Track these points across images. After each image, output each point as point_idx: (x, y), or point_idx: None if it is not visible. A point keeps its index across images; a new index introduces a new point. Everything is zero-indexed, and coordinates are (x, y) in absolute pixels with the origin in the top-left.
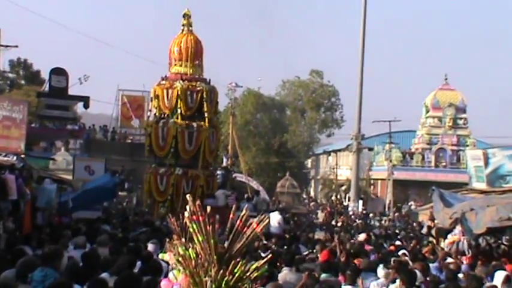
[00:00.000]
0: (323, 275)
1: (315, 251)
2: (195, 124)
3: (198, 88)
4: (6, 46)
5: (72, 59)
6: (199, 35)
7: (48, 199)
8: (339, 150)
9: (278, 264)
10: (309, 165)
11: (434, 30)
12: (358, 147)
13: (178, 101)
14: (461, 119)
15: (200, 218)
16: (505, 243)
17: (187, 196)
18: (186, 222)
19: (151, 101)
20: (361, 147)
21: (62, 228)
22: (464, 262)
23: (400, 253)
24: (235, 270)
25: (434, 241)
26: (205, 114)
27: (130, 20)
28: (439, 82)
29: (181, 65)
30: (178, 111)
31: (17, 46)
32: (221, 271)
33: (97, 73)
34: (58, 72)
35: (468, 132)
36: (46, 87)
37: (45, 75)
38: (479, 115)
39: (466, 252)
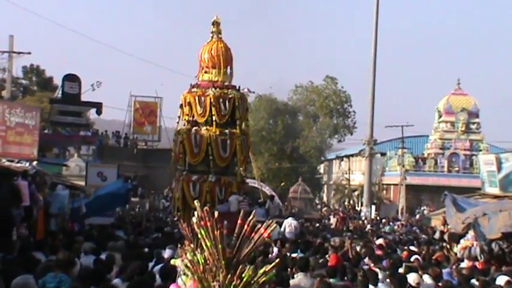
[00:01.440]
0: (331, 280)
1: (327, 257)
2: (227, 131)
3: (230, 95)
4: (19, 53)
5: (85, 66)
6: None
7: (61, 205)
8: (352, 155)
9: (293, 269)
10: (322, 170)
11: (446, 35)
12: (370, 153)
13: (212, 108)
14: (474, 123)
15: (208, 224)
16: None
17: (195, 202)
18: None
19: (180, 108)
20: (373, 152)
21: (75, 235)
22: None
23: (412, 259)
24: (243, 275)
25: (448, 246)
26: (237, 122)
27: (143, 27)
28: (451, 87)
29: (212, 72)
30: (212, 118)
31: (29, 53)
32: (229, 276)
33: (110, 79)
34: (71, 78)
35: (481, 137)
36: (59, 94)
37: (58, 81)
38: (492, 120)
39: (479, 257)
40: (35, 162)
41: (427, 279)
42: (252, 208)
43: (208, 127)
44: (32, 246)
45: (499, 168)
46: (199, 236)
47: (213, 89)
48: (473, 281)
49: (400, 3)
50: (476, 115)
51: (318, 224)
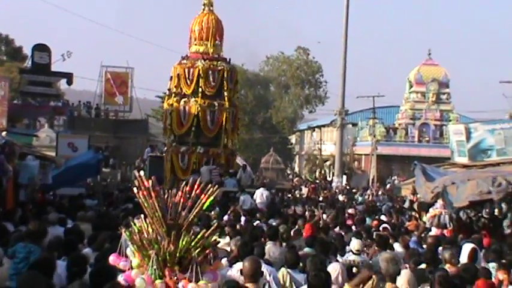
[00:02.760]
0: (306, 249)
1: (297, 226)
2: (216, 103)
3: (219, 67)
4: None
5: (55, 36)
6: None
7: (31, 175)
8: (323, 125)
9: (263, 239)
10: (293, 141)
11: (418, 6)
12: (342, 123)
13: (200, 80)
14: (444, 94)
15: (145, 193)
16: (485, 216)
17: (135, 172)
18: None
19: (170, 80)
20: (345, 122)
21: (45, 205)
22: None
23: (381, 228)
24: (180, 241)
25: (417, 215)
26: (226, 94)
27: None
28: (422, 57)
29: (202, 44)
30: (200, 90)
31: None
32: (166, 243)
33: (80, 49)
34: (41, 48)
35: (451, 107)
36: (28, 64)
37: (27, 51)
38: (462, 90)
39: (447, 226)
40: (4, 133)
41: (397, 247)
42: (223, 178)
43: (196, 99)
44: (1, 216)
45: (468, 138)
46: (143, 205)
47: (202, 61)
48: (441, 248)
49: None
50: (447, 85)
51: (289, 194)
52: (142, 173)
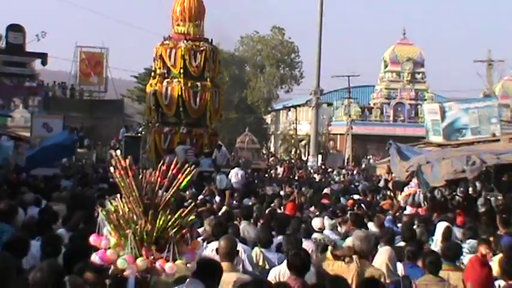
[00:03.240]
0: None
1: (272, 205)
2: (199, 83)
3: (202, 48)
4: None
5: (29, 15)
6: None
7: (5, 156)
8: (299, 105)
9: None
10: (269, 120)
11: None
12: (317, 103)
13: (182, 60)
14: (419, 73)
15: (122, 172)
16: (460, 194)
17: (112, 152)
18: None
19: (154, 60)
20: (320, 102)
21: (20, 185)
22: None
23: (356, 207)
24: (158, 221)
25: (392, 194)
26: (209, 74)
27: None
28: (397, 37)
29: (184, 25)
30: (183, 70)
31: None
32: (143, 222)
33: (55, 30)
34: (15, 28)
35: (426, 86)
36: (2, 44)
37: (1, 31)
38: (437, 69)
39: (422, 204)
40: None
41: (371, 226)
42: (198, 158)
43: (179, 79)
44: None
45: (443, 117)
46: (119, 184)
47: (185, 42)
48: (415, 227)
49: None
50: (422, 65)
51: (265, 174)
52: (118, 152)
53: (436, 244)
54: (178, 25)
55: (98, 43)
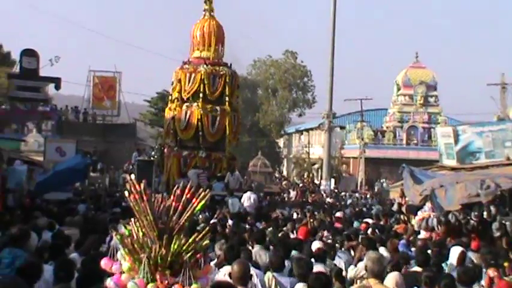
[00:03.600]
0: (293, 252)
1: (285, 229)
2: (218, 108)
3: (221, 72)
4: None
5: (43, 40)
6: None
7: (19, 180)
8: (311, 129)
9: (250, 242)
10: (281, 144)
11: (405, 9)
12: (329, 126)
13: (202, 85)
14: (432, 96)
15: (136, 196)
16: (474, 219)
17: (127, 176)
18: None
19: (172, 84)
20: (332, 125)
21: (33, 210)
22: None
23: (369, 231)
24: (172, 245)
25: (405, 218)
26: (227, 98)
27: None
28: (410, 60)
29: (203, 50)
30: (202, 94)
31: None
32: (157, 246)
33: (68, 54)
34: (29, 53)
35: (439, 109)
36: (17, 69)
37: (15, 56)
38: (450, 92)
39: (436, 229)
40: None
41: (382, 251)
42: (211, 182)
43: (198, 103)
44: None
45: (456, 141)
46: (134, 208)
47: (205, 66)
48: (430, 251)
49: None
50: (435, 88)
51: (277, 198)
52: (133, 176)
53: (449, 269)
54: (197, 49)
55: (110, 67)
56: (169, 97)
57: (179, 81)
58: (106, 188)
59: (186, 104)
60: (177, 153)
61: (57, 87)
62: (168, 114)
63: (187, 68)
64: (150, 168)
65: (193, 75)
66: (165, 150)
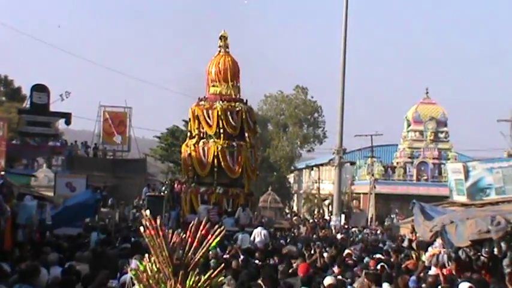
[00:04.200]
0: None
1: (294, 265)
2: (235, 143)
3: (237, 108)
4: None
5: (53, 76)
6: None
7: (29, 216)
8: (321, 164)
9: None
10: (292, 179)
11: (415, 45)
12: (340, 162)
13: (220, 121)
14: (442, 132)
15: (152, 232)
16: (485, 255)
17: (143, 211)
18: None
19: (189, 121)
20: (343, 161)
21: (43, 245)
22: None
23: (378, 266)
24: (187, 282)
25: (416, 254)
26: (247, 134)
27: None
28: (420, 96)
29: (219, 86)
30: (220, 131)
31: None
32: (173, 282)
33: (79, 89)
34: (39, 88)
35: (449, 145)
36: (27, 104)
37: (26, 91)
38: (460, 128)
39: (446, 265)
40: (2, 173)
41: (386, 287)
42: (221, 218)
43: (215, 139)
44: None
45: (467, 177)
46: (149, 244)
47: (221, 102)
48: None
49: (369, 13)
50: (445, 124)
51: (287, 233)
52: (148, 212)
53: None
54: (213, 86)
55: (121, 102)
56: (187, 134)
57: (196, 117)
58: (116, 224)
59: (202, 140)
60: (194, 189)
61: (68, 123)
62: (185, 150)
63: (203, 105)
64: (160, 203)
65: (209, 111)
66: (176, 185)
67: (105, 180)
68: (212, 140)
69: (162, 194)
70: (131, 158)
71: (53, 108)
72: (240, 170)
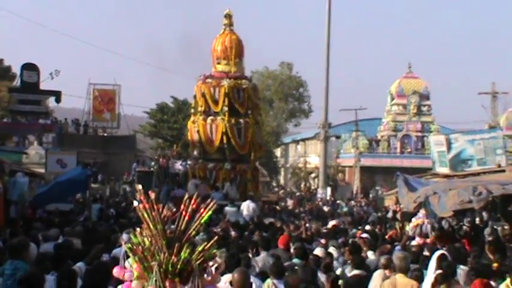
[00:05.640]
0: (295, 260)
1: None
2: (242, 120)
3: (244, 86)
4: None
5: (43, 54)
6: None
7: (21, 192)
8: (307, 138)
9: (253, 250)
10: (278, 154)
11: (398, 20)
12: (325, 136)
13: (227, 98)
14: (425, 106)
15: (146, 206)
16: (467, 225)
17: (137, 186)
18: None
19: (194, 98)
20: (328, 135)
21: (35, 221)
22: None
23: (361, 236)
24: (181, 253)
25: (400, 224)
26: (251, 111)
27: (99, 14)
28: (403, 70)
29: (225, 64)
30: (227, 108)
31: None
32: (167, 255)
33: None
34: (29, 67)
35: (432, 118)
36: (18, 83)
37: (16, 70)
38: (442, 102)
39: (429, 235)
40: None
41: (370, 255)
42: (209, 192)
43: (223, 117)
44: None
45: (449, 149)
46: (142, 218)
47: (228, 80)
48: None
49: None
50: (427, 97)
51: (276, 206)
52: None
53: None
54: (219, 63)
55: (110, 80)
56: (192, 110)
57: (202, 94)
58: (107, 199)
59: (210, 117)
60: (201, 165)
61: (58, 101)
62: (192, 127)
63: (210, 82)
64: (149, 178)
65: (217, 89)
66: (161, 160)
67: (96, 156)
68: (220, 117)
69: (151, 169)
70: (121, 135)
71: (43, 86)
72: (248, 146)
